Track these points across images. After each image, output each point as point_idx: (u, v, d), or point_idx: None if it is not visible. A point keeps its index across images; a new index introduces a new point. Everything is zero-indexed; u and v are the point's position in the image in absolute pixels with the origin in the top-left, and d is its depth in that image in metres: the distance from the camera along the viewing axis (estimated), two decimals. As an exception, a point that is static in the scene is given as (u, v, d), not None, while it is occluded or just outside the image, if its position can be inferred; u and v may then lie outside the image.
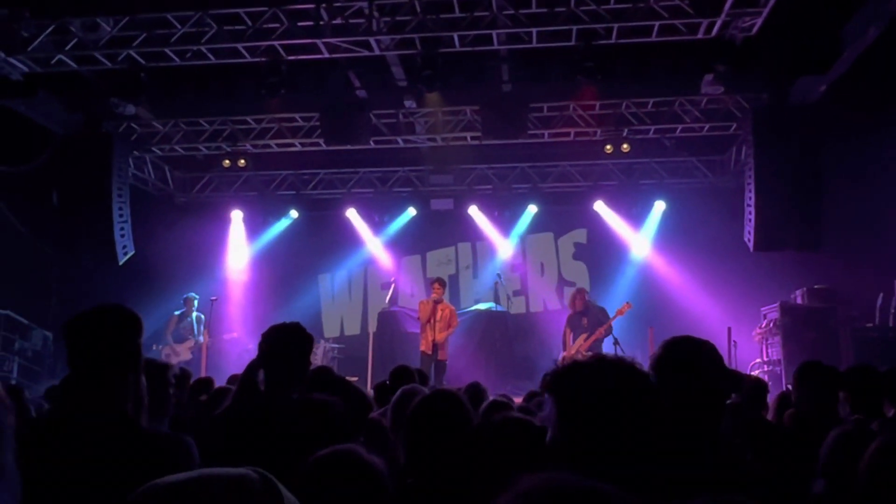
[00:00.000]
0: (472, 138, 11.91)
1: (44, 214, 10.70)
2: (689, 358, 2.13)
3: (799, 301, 10.93)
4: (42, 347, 11.88)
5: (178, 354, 11.40)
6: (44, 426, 2.11)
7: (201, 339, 11.61)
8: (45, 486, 1.88)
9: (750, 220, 10.18)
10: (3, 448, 1.20)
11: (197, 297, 11.95)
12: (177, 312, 11.83)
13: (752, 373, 10.09)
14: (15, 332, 11.38)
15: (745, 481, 1.90)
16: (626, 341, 10.16)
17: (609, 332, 10.07)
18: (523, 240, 14.21)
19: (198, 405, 5.41)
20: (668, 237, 13.12)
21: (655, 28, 8.61)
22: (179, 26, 8.88)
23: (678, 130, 11.85)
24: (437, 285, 10.58)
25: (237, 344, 12.35)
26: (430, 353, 10.15)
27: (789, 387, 4.57)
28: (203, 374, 9.54)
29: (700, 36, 8.66)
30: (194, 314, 11.85)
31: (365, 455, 1.90)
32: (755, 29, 8.52)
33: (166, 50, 9.06)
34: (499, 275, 12.56)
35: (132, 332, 2.29)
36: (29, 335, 11.69)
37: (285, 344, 3.25)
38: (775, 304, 10.63)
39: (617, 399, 1.55)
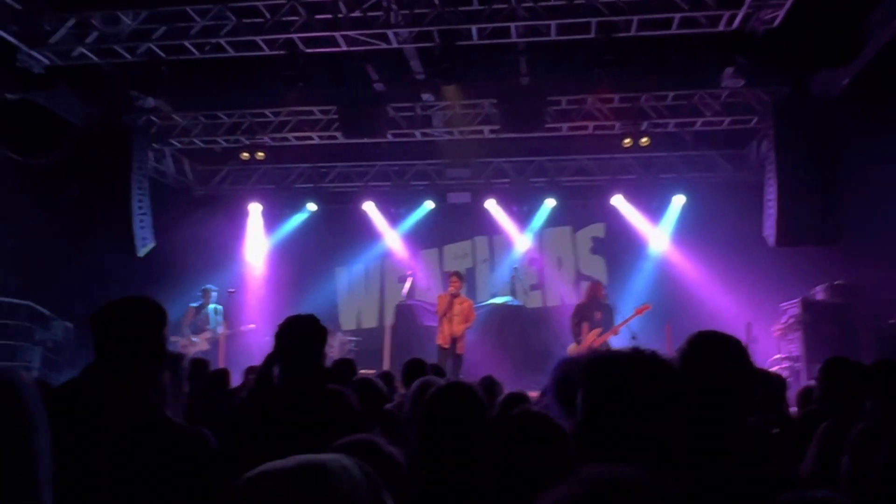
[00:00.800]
0: (490, 132, 11.89)
1: (65, 206, 10.80)
2: (716, 354, 2.11)
3: (819, 297, 10.80)
4: (63, 338, 11.99)
5: (196, 345, 11.47)
6: (70, 414, 2.13)
7: (219, 330, 11.65)
8: (71, 473, 1.90)
9: (770, 215, 10.08)
10: (38, 436, 1.22)
11: (215, 289, 12.00)
12: (194, 304, 11.87)
13: (772, 369, 9.99)
14: (37, 323, 11.49)
15: (774, 477, 1.89)
16: (643, 336, 9.97)
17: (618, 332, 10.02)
18: (540, 234, 14.13)
19: (218, 394, 5.45)
20: (687, 232, 12.98)
21: (676, 20, 8.53)
22: (199, 19, 8.92)
23: (698, 124, 11.74)
24: (454, 279, 10.48)
25: (255, 335, 12.38)
26: (447, 346, 10.11)
27: (813, 382, 4.52)
28: (221, 366, 9.62)
29: (721, 28, 8.57)
30: (212, 306, 11.89)
31: (384, 445, 1.90)
32: (777, 21, 8.41)
33: (186, 43, 9.11)
34: (516, 269, 12.56)
35: (158, 324, 2.37)
36: (50, 326, 11.80)
37: (300, 336, 3.25)
38: (795, 300, 10.51)
39: (651, 393, 1.58)
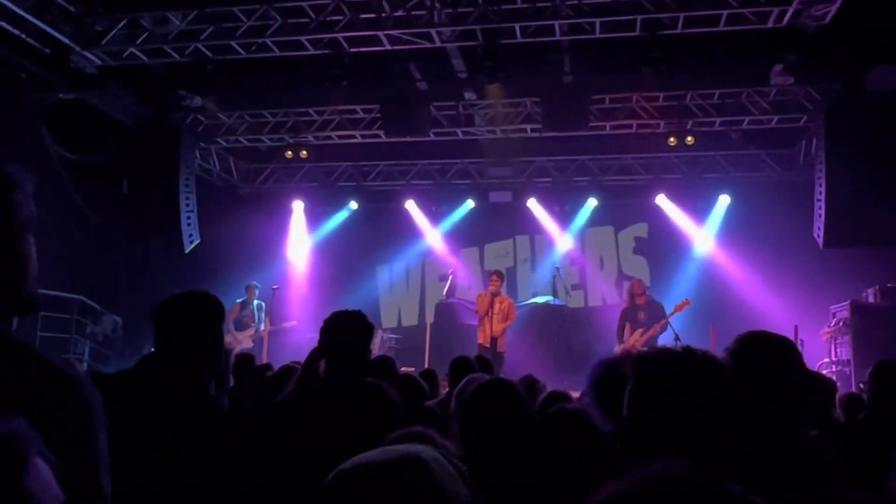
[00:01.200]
0: (532, 130, 11.83)
1: (115, 203, 11.05)
2: (768, 354, 2.06)
3: (870, 299, 10.52)
4: (112, 332, 12.29)
5: (240, 342, 11.56)
6: (124, 403, 2.17)
7: (262, 326, 11.76)
8: (127, 461, 1.96)
9: (820, 216, 9.85)
10: (99, 427, 1.25)
11: (258, 285, 12.13)
12: (238, 301, 12.00)
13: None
14: (87, 317, 11.80)
15: (825, 480, 1.87)
16: (687, 338, 9.84)
17: (664, 329, 9.91)
18: (583, 233, 14.11)
19: (262, 384, 5.51)
20: (733, 233, 12.83)
21: (723, 17, 8.38)
22: (245, 19, 9.05)
23: (745, 123, 11.54)
24: (494, 278, 10.47)
25: (297, 332, 12.48)
26: (487, 345, 10.06)
27: (861, 386, 4.41)
28: (265, 361, 9.74)
29: (770, 25, 8.39)
30: (255, 302, 12.00)
31: (438, 438, 1.92)
32: (828, 17, 8.21)
33: (232, 43, 9.24)
34: (557, 268, 12.44)
35: (216, 319, 2.44)
36: (100, 320, 12.10)
37: (347, 331, 3.24)
38: (845, 303, 10.26)
39: (700, 391, 1.58)
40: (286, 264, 14.33)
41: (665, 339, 9.98)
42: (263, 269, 13.27)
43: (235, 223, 12.98)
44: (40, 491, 0.86)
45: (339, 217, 14.44)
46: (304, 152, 12.33)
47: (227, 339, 11.04)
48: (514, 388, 2.66)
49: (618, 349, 10.09)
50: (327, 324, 3.25)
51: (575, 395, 5.14)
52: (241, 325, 11.78)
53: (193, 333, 2.34)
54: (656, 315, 10.17)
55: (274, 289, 11.69)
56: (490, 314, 10.21)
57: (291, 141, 12.46)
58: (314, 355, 3.30)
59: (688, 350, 1.69)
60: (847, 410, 4.87)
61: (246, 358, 6.62)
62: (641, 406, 1.61)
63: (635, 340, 9.97)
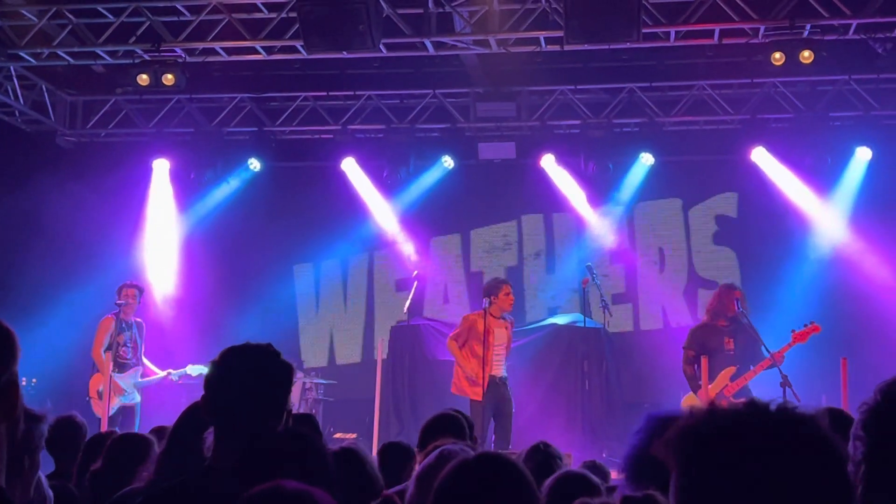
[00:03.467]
0: (549, 42, 11.70)
1: None
2: None
3: None
4: None
5: (122, 392, 11.27)
6: None
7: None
8: None
9: None
10: None
11: (141, 288, 11.86)
12: (111, 314, 11.50)
13: None
14: None
15: None
16: (801, 380, 10.03)
17: (776, 364, 9.88)
18: (631, 211, 14.37)
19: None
20: (877, 208, 13.00)
21: None
22: None
23: (900, 29, 11.50)
24: (505, 289, 10.77)
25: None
26: (484, 399, 10.16)
27: None
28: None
29: None
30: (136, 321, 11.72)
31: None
32: None
33: None
34: (589, 267, 12.45)
35: (6, 358, 2.27)
36: None
37: (248, 382, 3.22)
38: None
39: (794, 491, 1.55)
40: (140, 265, 14.32)
41: (767, 386, 9.99)
42: (101, 271, 13.20)
43: (52, 194, 12.85)
44: None
45: (231, 186, 14.47)
46: (171, 76, 12.13)
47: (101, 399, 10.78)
48: (514, 470, 2.68)
49: (688, 399, 10.25)
50: (217, 368, 3.26)
51: (616, 474, 5.13)
52: (120, 363, 11.46)
53: None
54: (750, 343, 10.20)
55: (118, 306, 11.48)
56: (489, 344, 10.25)
57: (148, 57, 12.24)
58: (188, 418, 3.45)
59: (763, 413, 1.64)
60: None
61: (71, 426, 6.47)
62: None
63: (722, 387, 10.01)
